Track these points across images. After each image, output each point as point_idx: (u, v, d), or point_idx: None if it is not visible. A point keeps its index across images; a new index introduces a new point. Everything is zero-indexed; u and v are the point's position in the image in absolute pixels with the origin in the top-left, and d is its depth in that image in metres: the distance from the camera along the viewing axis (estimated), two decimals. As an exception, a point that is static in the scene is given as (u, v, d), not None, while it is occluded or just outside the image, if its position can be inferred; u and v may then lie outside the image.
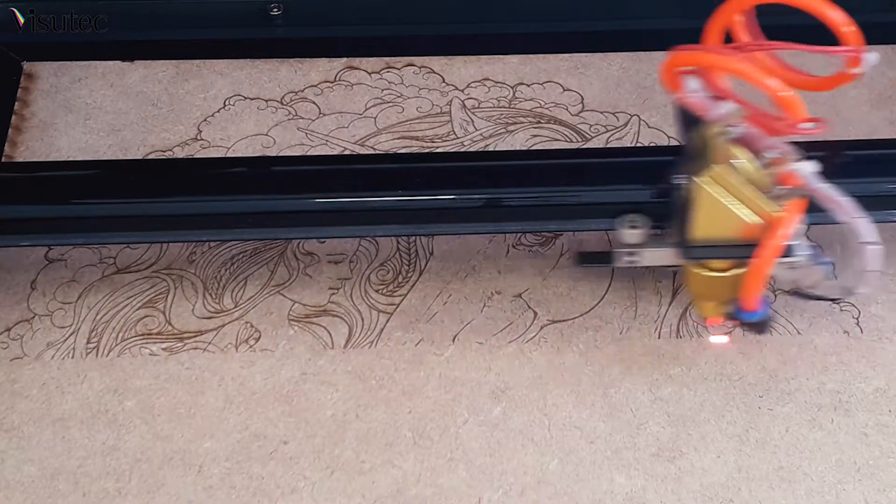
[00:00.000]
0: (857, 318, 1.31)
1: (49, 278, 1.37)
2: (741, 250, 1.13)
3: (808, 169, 1.07)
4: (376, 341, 1.31)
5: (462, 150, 1.48)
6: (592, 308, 1.34)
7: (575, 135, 1.50)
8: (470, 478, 1.20)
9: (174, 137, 1.52)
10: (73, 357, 1.31)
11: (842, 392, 1.25)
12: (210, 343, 1.32)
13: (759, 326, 1.25)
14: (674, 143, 1.43)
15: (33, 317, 1.34)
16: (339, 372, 1.29)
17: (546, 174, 1.33)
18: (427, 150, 1.48)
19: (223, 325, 1.33)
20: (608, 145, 1.48)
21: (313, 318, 1.34)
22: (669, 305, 1.33)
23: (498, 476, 1.20)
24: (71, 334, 1.33)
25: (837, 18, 1.02)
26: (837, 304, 1.31)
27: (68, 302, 1.36)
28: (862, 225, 1.09)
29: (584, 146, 1.48)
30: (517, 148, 1.49)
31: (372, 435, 1.24)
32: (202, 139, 1.51)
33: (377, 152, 1.47)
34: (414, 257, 1.39)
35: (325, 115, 1.54)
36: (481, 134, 1.51)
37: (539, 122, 1.52)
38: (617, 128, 1.51)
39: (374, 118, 1.53)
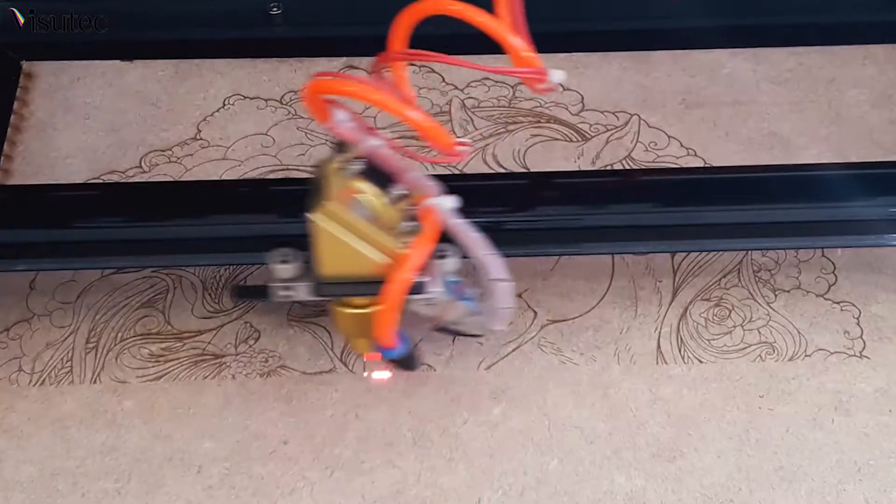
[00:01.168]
0: (857, 318, 1.31)
1: (48, 278, 1.37)
2: (370, 287, 1.11)
3: (446, 203, 1.06)
4: (376, 341, 1.31)
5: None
6: (592, 308, 1.33)
7: (575, 134, 1.50)
8: (470, 478, 1.20)
9: (173, 137, 1.52)
10: (72, 357, 1.30)
11: (842, 392, 1.25)
12: (210, 343, 1.31)
13: (406, 363, 1.25)
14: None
15: (32, 316, 1.33)
16: (339, 372, 1.28)
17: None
18: (430, 150, 1.47)
19: (223, 325, 1.33)
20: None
21: (313, 317, 1.33)
22: (669, 305, 1.33)
23: (498, 476, 1.20)
24: (70, 334, 1.33)
25: (517, 45, 0.99)
26: (479, 339, 1.30)
27: (67, 302, 1.36)
28: (492, 262, 1.09)
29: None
30: (517, 147, 1.48)
31: (372, 435, 1.24)
32: (201, 139, 1.51)
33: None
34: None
35: (324, 114, 1.53)
36: (481, 133, 1.51)
37: (539, 122, 1.52)
38: (617, 127, 1.51)
39: (374, 117, 1.52)
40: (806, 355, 1.28)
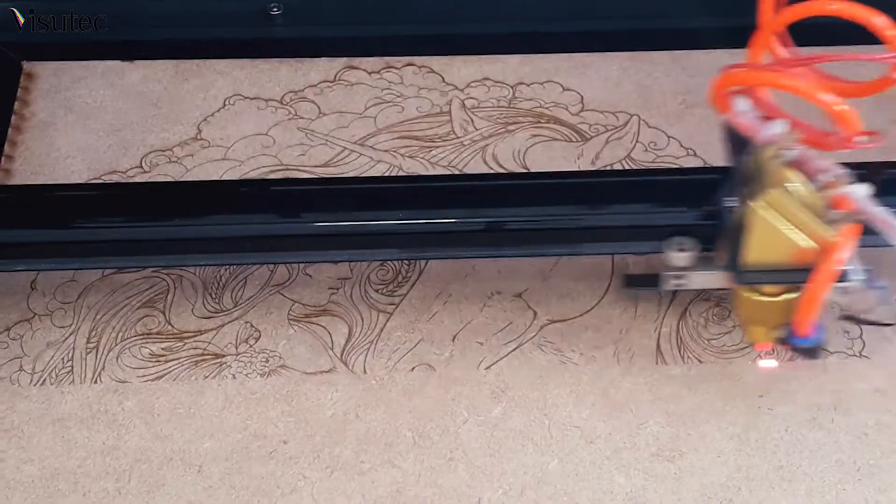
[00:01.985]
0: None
1: (49, 278, 1.37)
2: (795, 275, 1.12)
3: (861, 192, 1.06)
4: (376, 341, 1.31)
5: (462, 149, 1.48)
6: (592, 308, 1.33)
7: (575, 134, 1.50)
8: (470, 478, 1.20)
9: (174, 137, 1.52)
10: (72, 357, 1.30)
11: (842, 392, 1.25)
12: (210, 343, 1.32)
13: (812, 352, 1.23)
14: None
15: (33, 316, 1.34)
16: (339, 372, 1.28)
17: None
18: (430, 150, 1.48)
19: (223, 325, 1.33)
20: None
21: (313, 317, 1.34)
22: (669, 305, 1.33)
23: (498, 476, 1.20)
24: (71, 334, 1.33)
25: (881, 24, 1.01)
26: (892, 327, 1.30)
27: (68, 301, 1.36)
28: None
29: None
30: (517, 147, 1.48)
31: (372, 435, 1.24)
32: (202, 139, 1.51)
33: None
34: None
35: (324, 114, 1.54)
36: (481, 133, 1.51)
37: (539, 122, 1.52)
38: (617, 127, 1.51)
39: (374, 118, 1.53)
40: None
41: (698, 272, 1.21)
